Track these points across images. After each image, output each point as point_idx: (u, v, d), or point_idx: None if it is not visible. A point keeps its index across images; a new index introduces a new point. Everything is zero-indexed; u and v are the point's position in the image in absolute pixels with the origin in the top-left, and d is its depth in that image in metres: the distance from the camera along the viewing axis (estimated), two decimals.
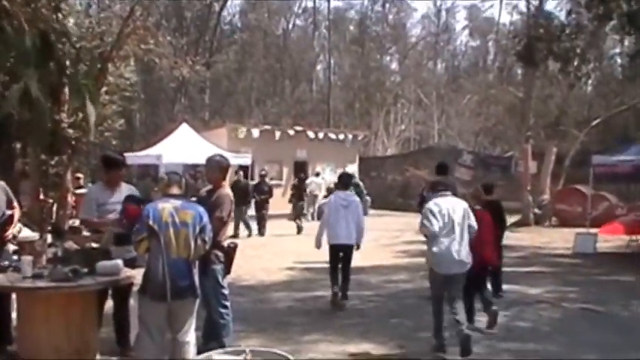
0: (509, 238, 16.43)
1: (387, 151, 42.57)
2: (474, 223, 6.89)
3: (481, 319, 7.88)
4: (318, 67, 51.19)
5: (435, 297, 7.01)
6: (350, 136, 29.99)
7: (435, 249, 6.73)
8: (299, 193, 19.34)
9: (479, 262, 7.50)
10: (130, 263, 5.98)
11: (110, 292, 6.27)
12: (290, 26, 50.95)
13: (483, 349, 6.98)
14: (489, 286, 8.99)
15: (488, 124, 40.63)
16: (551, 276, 12.05)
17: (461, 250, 6.70)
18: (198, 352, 5.34)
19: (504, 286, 10.23)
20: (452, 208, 6.77)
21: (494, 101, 35.79)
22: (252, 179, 20.93)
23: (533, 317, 8.63)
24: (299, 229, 18.74)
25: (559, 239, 17.49)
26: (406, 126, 46.26)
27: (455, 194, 7.25)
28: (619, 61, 33.56)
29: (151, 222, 5.09)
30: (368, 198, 26.01)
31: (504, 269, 11.54)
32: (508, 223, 20.13)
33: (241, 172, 18.13)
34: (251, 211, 18.32)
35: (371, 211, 25.75)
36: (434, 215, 6.70)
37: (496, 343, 7.19)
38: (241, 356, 4.74)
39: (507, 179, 26.93)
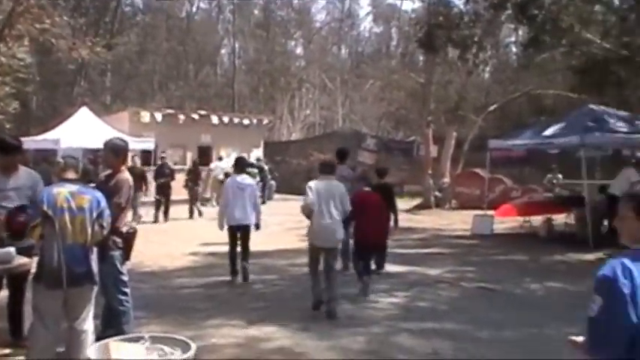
0: (411, 220, 16.94)
1: (291, 135, 42.70)
2: (348, 207, 7.89)
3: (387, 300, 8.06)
4: (223, 50, 50.67)
5: (310, 267, 8.05)
6: (255, 121, 29.90)
7: (312, 224, 7.79)
8: (194, 178, 19.32)
9: (366, 239, 8.75)
10: (26, 251, 5.74)
11: (5, 281, 6.03)
12: (194, 9, 50.13)
13: (384, 328, 7.15)
14: (373, 263, 9.82)
15: (391, 109, 41.32)
16: (451, 257, 12.41)
17: (334, 227, 7.71)
18: (97, 340, 5.20)
19: (405, 268, 10.64)
20: (329, 189, 7.78)
21: (396, 87, 36.34)
22: (155, 164, 20.55)
23: (432, 297, 8.87)
24: (199, 213, 18.92)
25: (458, 221, 18.05)
26: (311, 111, 46.54)
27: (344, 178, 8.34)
28: (514, 49, 34.79)
29: (45, 207, 4.90)
30: (273, 182, 26.10)
31: (406, 251, 11.90)
32: (410, 207, 21.01)
33: (136, 158, 17.83)
34: (149, 198, 18.07)
35: (276, 196, 25.83)
36: (312, 192, 7.70)
37: (396, 323, 7.35)
38: (140, 342, 4.67)
39: (409, 163, 27.66)
